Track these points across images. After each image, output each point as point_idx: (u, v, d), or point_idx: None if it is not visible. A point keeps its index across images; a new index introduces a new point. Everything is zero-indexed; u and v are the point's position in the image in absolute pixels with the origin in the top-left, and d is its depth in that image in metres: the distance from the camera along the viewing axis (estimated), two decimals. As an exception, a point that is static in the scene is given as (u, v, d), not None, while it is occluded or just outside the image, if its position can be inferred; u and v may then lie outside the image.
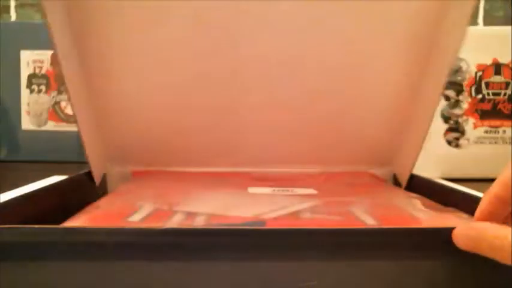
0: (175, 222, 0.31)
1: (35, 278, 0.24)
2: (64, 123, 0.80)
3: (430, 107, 0.46)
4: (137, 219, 0.31)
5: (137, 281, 0.24)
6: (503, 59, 0.72)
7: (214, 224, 0.30)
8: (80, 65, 0.47)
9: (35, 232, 0.25)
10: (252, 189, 0.41)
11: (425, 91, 0.47)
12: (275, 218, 0.32)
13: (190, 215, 0.32)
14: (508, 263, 0.22)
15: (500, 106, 0.73)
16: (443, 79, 0.44)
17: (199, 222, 0.30)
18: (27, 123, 0.80)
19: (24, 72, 0.80)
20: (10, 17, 0.86)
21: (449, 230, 0.26)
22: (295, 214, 0.33)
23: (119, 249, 0.25)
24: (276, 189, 0.41)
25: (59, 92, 0.80)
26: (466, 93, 0.73)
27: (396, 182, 0.51)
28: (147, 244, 0.25)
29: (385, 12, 0.46)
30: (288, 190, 0.41)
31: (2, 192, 0.45)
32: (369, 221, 0.32)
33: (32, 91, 0.80)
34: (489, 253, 0.23)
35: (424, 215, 0.34)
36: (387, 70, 0.48)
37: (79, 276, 0.24)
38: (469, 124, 0.73)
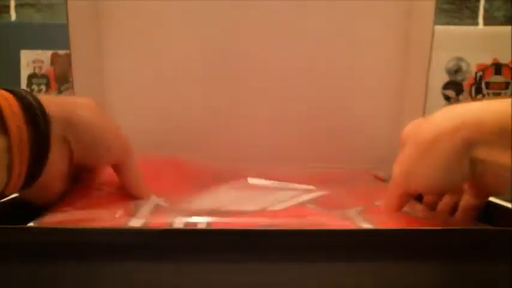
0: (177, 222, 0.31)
1: (34, 278, 0.24)
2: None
3: (419, 99, 0.49)
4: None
5: (136, 282, 0.24)
6: (504, 59, 0.72)
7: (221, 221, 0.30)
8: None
9: (34, 232, 0.25)
10: (252, 180, 0.41)
11: (412, 82, 0.49)
12: (284, 209, 0.32)
13: (192, 212, 0.32)
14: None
15: (500, 106, 0.73)
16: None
17: (203, 220, 0.31)
18: (27, 123, 0.80)
19: (24, 72, 0.80)
20: (10, 16, 0.86)
21: (449, 232, 0.26)
22: (300, 205, 0.34)
23: (118, 249, 0.24)
24: (276, 182, 0.41)
25: (59, 92, 0.80)
26: (466, 93, 0.73)
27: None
28: (146, 245, 0.25)
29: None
30: (288, 184, 0.41)
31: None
32: (364, 225, 0.32)
33: (32, 91, 0.80)
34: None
35: (421, 216, 0.34)
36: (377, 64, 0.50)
37: (78, 276, 0.24)
38: (469, 124, 0.73)
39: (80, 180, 0.33)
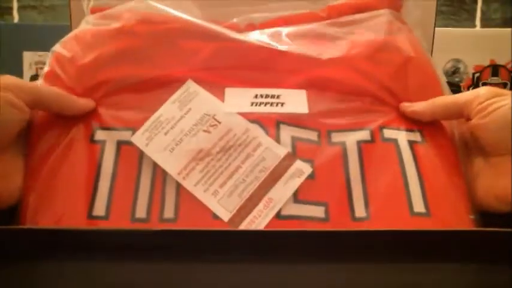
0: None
1: (33, 278, 0.25)
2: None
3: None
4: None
5: (136, 282, 0.25)
6: (501, 61, 0.72)
7: None
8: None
9: (33, 232, 0.25)
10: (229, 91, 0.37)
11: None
12: None
13: None
14: None
15: (497, 107, 0.73)
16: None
17: None
18: (29, 124, 0.80)
19: (27, 74, 0.80)
20: (13, 18, 0.86)
21: (450, 233, 0.26)
22: None
23: (118, 250, 0.25)
24: (259, 94, 0.37)
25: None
26: (463, 95, 0.73)
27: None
28: (146, 245, 0.25)
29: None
30: (274, 97, 0.37)
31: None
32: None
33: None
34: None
35: None
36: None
37: (78, 277, 0.25)
38: (467, 125, 0.73)
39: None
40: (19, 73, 0.80)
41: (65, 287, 0.25)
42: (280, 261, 0.25)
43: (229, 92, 0.36)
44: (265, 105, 0.36)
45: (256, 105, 0.36)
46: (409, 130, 0.36)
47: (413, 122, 0.36)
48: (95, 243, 0.25)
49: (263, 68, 0.37)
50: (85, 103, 0.35)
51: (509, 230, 0.26)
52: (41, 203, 0.32)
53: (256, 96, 0.36)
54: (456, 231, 0.27)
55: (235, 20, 0.39)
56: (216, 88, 0.36)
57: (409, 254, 0.25)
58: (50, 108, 0.35)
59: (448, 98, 0.36)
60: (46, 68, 0.38)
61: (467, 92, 0.35)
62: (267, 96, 0.36)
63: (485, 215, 0.34)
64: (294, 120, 0.35)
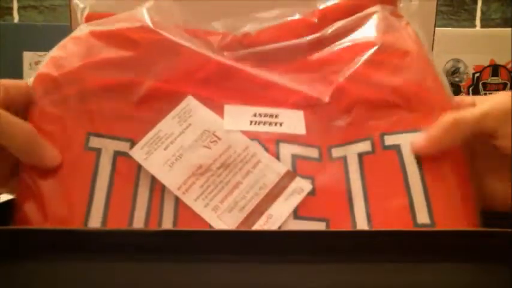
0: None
1: (32, 278, 0.25)
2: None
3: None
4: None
5: (133, 283, 0.25)
6: (501, 61, 0.73)
7: None
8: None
9: (33, 232, 0.25)
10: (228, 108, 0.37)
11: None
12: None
13: None
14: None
15: (497, 107, 0.73)
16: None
17: None
18: (29, 124, 0.81)
19: (27, 74, 0.80)
20: (13, 18, 0.87)
21: (449, 233, 0.26)
22: None
23: (118, 250, 0.25)
24: (258, 112, 0.37)
25: (61, 93, 0.81)
26: (463, 94, 0.73)
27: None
28: (146, 245, 0.25)
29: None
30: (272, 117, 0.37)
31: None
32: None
33: (34, 92, 0.80)
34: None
35: None
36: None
37: (78, 277, 0.25)
38: (467, 125, 0.73)
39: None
40: (19, 73, 0.80)
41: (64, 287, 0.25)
42: (280, 261, 0.25)
43: (228, 109, 0.36)
44: (264, 124, 0.36)
45: (255, 124, 0.36)
46: (413, 131, 0.35)
47: (417, 121, 0.35)
48: (95, 244, 0.25)
49: (262, 88, 0.37)
50: (52, 155, 0.32)
51: (509, 230, 0.25)
52: (35, 213, 0.31)
53: (255, 115, 0.36)
54: (456, 232, 0.27)
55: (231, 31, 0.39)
56: (216, 105, 0.36)
57: (409, 254, 0.25)
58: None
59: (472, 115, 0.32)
60: (41, 69, 0.37)
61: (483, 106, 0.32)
62: (265, 115, 0.36)
63: (485, 215, 0.34)
64: (294, 138, 0.35)
